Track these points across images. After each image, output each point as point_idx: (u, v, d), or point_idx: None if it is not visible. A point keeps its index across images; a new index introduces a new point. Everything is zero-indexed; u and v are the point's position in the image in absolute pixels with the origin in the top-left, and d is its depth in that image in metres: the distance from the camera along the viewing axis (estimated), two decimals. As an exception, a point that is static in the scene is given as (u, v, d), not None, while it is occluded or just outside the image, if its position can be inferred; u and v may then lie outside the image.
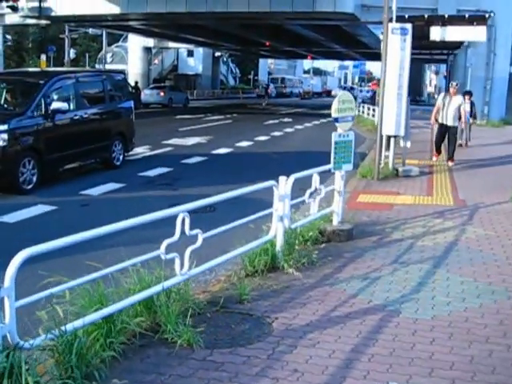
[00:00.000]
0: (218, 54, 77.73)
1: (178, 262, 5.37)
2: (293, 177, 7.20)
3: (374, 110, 33.76)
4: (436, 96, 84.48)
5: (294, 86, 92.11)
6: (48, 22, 42.31)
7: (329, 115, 31.46)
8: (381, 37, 14.87)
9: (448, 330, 5.19)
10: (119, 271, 5.24)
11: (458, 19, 13.95)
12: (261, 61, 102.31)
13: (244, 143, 21.61)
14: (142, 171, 14.38)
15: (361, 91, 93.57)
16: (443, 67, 67.03)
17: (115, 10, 35.68)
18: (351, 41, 54.60)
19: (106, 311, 4.63)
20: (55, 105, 12.33)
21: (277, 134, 26.47)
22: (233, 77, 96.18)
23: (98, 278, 4.91)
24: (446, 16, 13.73)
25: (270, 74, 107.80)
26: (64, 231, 8.99)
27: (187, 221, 5.28)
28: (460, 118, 16.43)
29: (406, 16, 14.04)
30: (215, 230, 6.25)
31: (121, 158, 15.08)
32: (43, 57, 51.89)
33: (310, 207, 8.14)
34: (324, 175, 12.16)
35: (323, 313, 5.58)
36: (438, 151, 16.95)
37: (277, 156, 18.94)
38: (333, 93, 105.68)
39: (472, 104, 20.70)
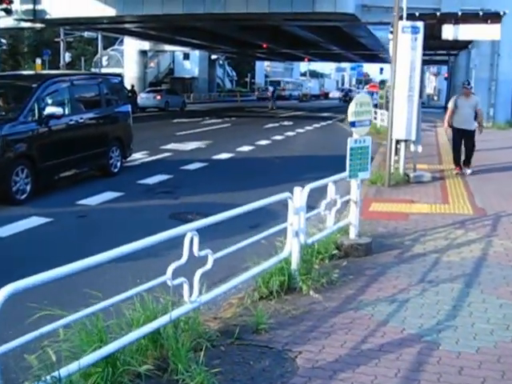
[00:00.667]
0: (214, 56, 77.26)
1: (186, 288, 4.72)
2: (308, 187, 6.57)
3: (375, 112, 33.18)
4: (435, 98, 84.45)
5: (293, 88, 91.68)
6: (43, 25, 41.68)
7: (329, 118, 31.25)
8: (390, 36, 14.25)
9: (498, 367, 4.54)
10: (122, 302, 4.55)
11: (471, 17, 13.27)
12: (257, 63, 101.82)
13: (245, 148, 20.98)
14: (141, 178, 13.73)
15: (359, 93, 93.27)
16: (443, 69, 66.70)
17: (110, 12, 35.03)
18: (350, 42, 54.09)
19: (105, 350, 4.00)
20: (49, 109, 11.67)
21: (278, 137, 25.84)
22: (229, 80, 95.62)
23: (97, 310, 4.22)
24: (459, 14, 13.05)
25: (266, 76, 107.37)
26: (60, 247, 8.47)
27: (196, 240, 4.62)
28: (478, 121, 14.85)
29: (417, 14, 13.39)
30: (226, 249, 5.57)
31: (118, 164, 14.43)
32: (38, 61, 51.34)
33: (325, 219, 7.49)
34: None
35: (352, 345, 4.93)
36: (459, 163, 14.83)
37: (280, 161, 18.32)
38: (330, 95, 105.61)
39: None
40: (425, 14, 13.56)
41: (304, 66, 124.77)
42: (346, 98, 77.52)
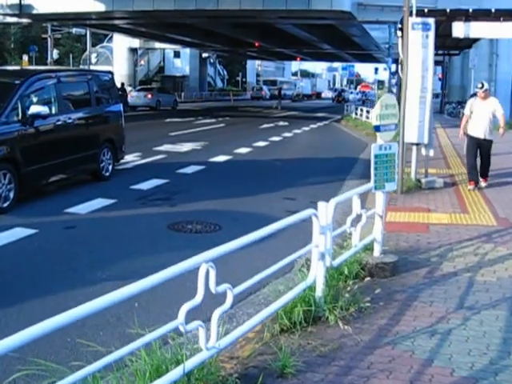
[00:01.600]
0: (205, 55, 76.36)
1: (202, 332, 3.89)
2: (334, 201, 5.74)
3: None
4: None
5: (288, 88, 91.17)
6: (29, 20, 40.75)
7: (324, 118, 30.54)
8: (399, 34, 13.45)
9: None
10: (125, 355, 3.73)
11: (483, 14, 12.51)
12: (249, 62, 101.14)
13: (243, 150, 20.16)
14: (134, 183, 12.87)
15: (351, 93, 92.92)
16: (438, 69, 66.02)
17: (100, 7, 34.13)
18: (343, 41, 53.36)
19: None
20: (34, 108, 10.77)
21: (276, 138, 25.05)
22: (220, 79, 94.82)
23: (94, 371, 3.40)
24: (471, 10, 12.29)
25: (258, 75, 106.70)
26: (45, 264, 7.43)
27: (213, 274, 3.79)
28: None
29: (426, 10, 12.63)
30: (248, 281, 4.72)
31: (110, 168, 13.54)
32: (25, 57, 50.41)
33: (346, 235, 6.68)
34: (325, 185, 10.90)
35: (399, 395, 4.14)
36: (474, 177, 12.90)
37: (280, 164, 17.53)
38: (323, 95, 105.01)
39: None
40: (434, 10, 12.81)
41: (295, 66, 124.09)
42: (340, 98, 76.92)
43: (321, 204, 5.43)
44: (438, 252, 7.95)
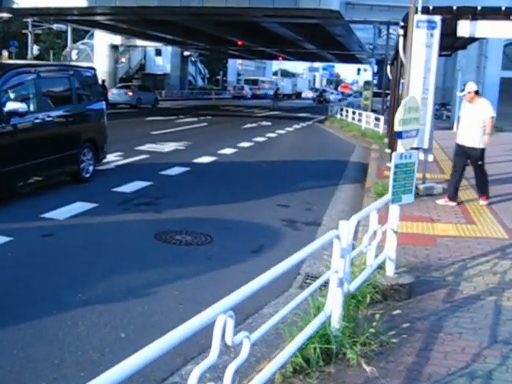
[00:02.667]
0: (186, 53, 75.36)
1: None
2: (355, 218, 4.90)
3: (359, 114, 31.79)
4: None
5: (269, 87, 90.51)
6: (9, 15, 39.46)
7: (307, 118, 29.84)
8: (400, 32, 12.71)
9: None
10: None
11: (492, 12, 11.78)
12: (230, 61, 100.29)
13: (227, 150, 19.30)
14: (117, 186, 11.96)
15: (332, 93, 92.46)
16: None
17: (82, 2, 33.01)
18: (328, 41, 52.63)
19: None
20: (11, 105, 9.82)
21: (260, 139, 24.20)
22: (201, 77, 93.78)
23: None
24: (479, 8, 11.55)
25: (239, 74, 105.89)
26: (17, 282, 6.45)
27: (231, 323, 2.94)
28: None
29: (431, 7, 11.87)
30: (266, 324, 3.85)
31: (90, 169, 12.60)
32: (5, 53, 49.25)
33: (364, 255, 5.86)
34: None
35: None
36: (449, 192, 11.48)
37: (267, 166, 16.70)
38: (303, 95, 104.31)
39: None
40: (440, 7, 12.02)
41: (276, 65, 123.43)
42: (321, 98, 76.27)
43: (343, 224, 4.60)
44: (452, 270, 7.18)
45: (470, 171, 14.08)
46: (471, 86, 11.03)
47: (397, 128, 5.95)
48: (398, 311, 5.67)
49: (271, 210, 10.79)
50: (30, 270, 6.77)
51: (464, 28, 11.92)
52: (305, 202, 11.59)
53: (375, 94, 39.35)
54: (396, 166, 5.89)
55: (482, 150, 11.15)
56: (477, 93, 11.09)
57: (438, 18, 11.37)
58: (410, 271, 6.69)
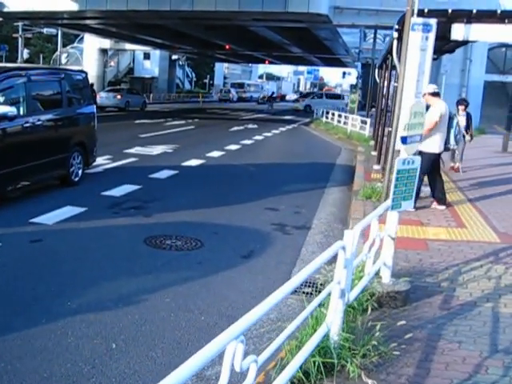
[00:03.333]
0: (175, 57, 74.96)
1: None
2: (359, 227, 4.66)
3: (345, 117, 31.58)
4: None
5: (254, 90, 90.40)
6: (0, 18, 38.94)
7: (292, 121, 29.66)
8: (395, 35, 12.45)
9: None
10: None
11: (487, 15, 11.55)
12: (217, 65, 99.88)
13: (215, 153, 19.01)
14: (106, 189, 11.66)
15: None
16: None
17: (72, 6, 32.55)
18: (314, 45, 52.33)
19: None
20: (0, 109, 9.55)
21: (247, 142, 23.94)
22: (188, 81, 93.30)
23: None
24: (474, 11, 11.32)
25: (225, 78, 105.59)
26: (4, 290, 6.01)
27: (240, 349, 2.66)
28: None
29: (426, 10, 11.62)
30: (271, 346, 3.57)
31: (80, 172, 12.27)
32: (-5, 56, 48.78)
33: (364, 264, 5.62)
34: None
35: None
36: (443, 196, 11.09)
37: (254, 169, 16.44)
38: (287, 97, 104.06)
39: (468, 116, 15.74)
40: (435, 10, 11.79)
41: (261, 69, 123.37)
42: (306, 102, 76.05)
43: (348, 233, 4.33)
44: (446, 275, 6.96)
45: (456, 174, 13.95)
46: (427, 88, 10.73)
47: (402, 133, 5.71)
48: (393, 319, 5.44)
49: (260, 213, 10.53)
50: (18, 277, 6.46)
51: (458, 31, 11.71)
52: (293, 205, 11.35)
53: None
54: (398, 172, 5.64)
55: (424, 154, 9.91)
56: (436, 95, 10.61)
57: (433, 21, 11.11)
58: (402, 276, 6.46)
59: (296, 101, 59.75)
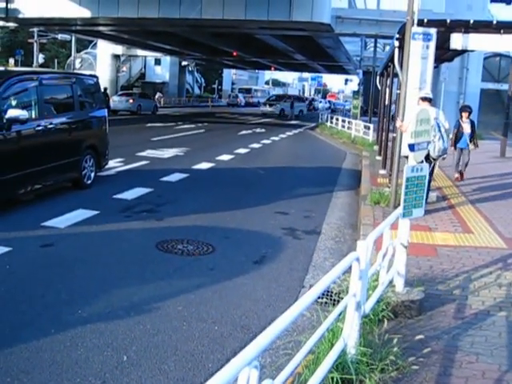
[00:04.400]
0: (184, 63, 74.75)
1: None
2: (372, 238, 4.34)
3: (349, 122, 31.24)
4: (394, 107, 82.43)
5: (261, 96, 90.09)
6: (16, 24, 38.70)
7: (298, 126, 29.34)
8: (396, 44, 12.16)
9: None
10: None
11: (483, 26, 11.29)
12: (225, 71, 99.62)
13: (224, 157, 18.71)
14: (118, 192, 11.36)
15: (320, 102, 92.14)
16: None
17: (85, 13, 32.34)
18: (318, 52, 52.05)
19: None
20: (12, 112, 9.19)
21: (255, 145, 23.62)
22: (198, 86, 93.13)
23: None
24: (472, 21, 11.05)
25: (233, 84, 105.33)
26: (14, 297, 5.70)
27: (254, 375, 2.35)
28: None
29: (425, 20, 11.34)
30: (286, 369, 3.23)
31: (92, 175, 11.98)
32: (11, 61, 48.51)
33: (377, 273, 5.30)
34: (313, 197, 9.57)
35: None
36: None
37: (264, 173, 16.10)
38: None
39: (472, 124, 14.74)
40: (434, 20, 11.51)
41: (268, 75, 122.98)
42: (310, 107, 75.87)
43: (360, 244, 4.02)
44: (457, 282, 6.64)
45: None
46: (420, 93, 10.48)
47: (409, 140, 5.40)
48: (409, 329, 5.13)
49: (271, 217, 10.22)
50: (28, 284, 6.14)
51: (457, 41, 11.43)
52: (303, 209, 11.03)
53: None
54: (407, 180, 5.35)
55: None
56: (424, 100, 10.22)
57: (433, 31, 10.86)
58: (416, 284, 6.15)
59: (264, 104, 58.37)
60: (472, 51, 15.23)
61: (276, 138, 28.36)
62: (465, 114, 14.71)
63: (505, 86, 34.77)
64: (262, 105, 59.41)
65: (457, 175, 14.68)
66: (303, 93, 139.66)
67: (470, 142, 14.55)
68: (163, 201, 10.97)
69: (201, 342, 4.89)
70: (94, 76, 13.42)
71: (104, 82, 51.08)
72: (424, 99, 10.37)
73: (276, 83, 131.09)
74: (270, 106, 56.39)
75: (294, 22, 29.91)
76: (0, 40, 62.60)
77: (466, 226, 9.67)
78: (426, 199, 10.53)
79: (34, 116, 10.04)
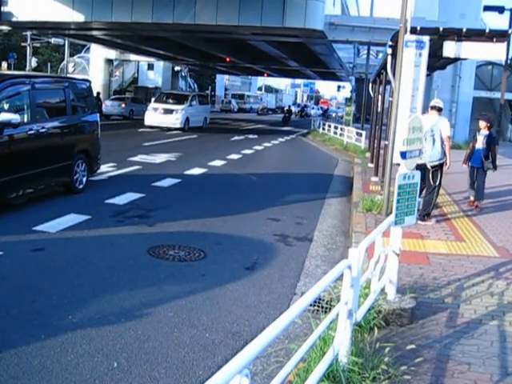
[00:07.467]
0: (177, 68, 74.66)
1: None
2: (364, 246, 4.33)
3: (341, 128, 31.30)
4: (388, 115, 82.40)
5: (254, 102, 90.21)
6: (9, 27, 38.59)
7: (291, 132, 29.31)
8: (389, 51, 12.20)
9: None
10: None
11: (476, 34, 11.33)
12: (218, 76, 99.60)
13: (217, 162, 18.69)
14: (109, 197, 11.34)
15: (313, 108, 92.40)
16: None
17: (79, 17, 32.26)
18: (310, 59, 52.08)
19: None
20: (4, 116, 9.17)
21: (247, 151, 23.62)
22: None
23: None
24: (464, 30, 11.10)
25: (226, 89, 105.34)
26: (3, 302, 5.59)
27: (246, 383, 2.33)
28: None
29: (418, 28, 11.38)
30: (277, 378, 3.22)
31: (84, 180, 11.95)
32: (4, 64, 48.35)
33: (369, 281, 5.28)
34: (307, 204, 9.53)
35: None
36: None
37: (256, 179, 16.08)
38: (285, 109, 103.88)
39: (490, 137, 11.85)
40: (427, 28, 11.55)
41: (260, 81, 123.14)
42: (303, 113, 76.11)
43: (352, 251, 4.01)
44: (449, 290, 6.64)
45: (450, 187, 13.61)
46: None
47: (401, 148, 5.41)
48: (400, 338, 5.12)
49: (262, 223, 10.20)
50: (18, 289, 6.09)
51: (450, 49, 11.47)
52: (295, 216, 11.03)
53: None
54: (400, 187, 5.35)
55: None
56: (432, 108, 10.66)
57: (426, 38, 10.89)
58: (406, 291, 6.14)
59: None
60: (465, 59, 15.23)
61: (268, 144, 28.38)
62: (482, 124, 12.01)
63: (497, 95, 35.02)
64: None
65: (471, 198, 12.45)
66: (295, 99, 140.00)
67: (485, 159, 11.76)
68: (155, 206, 10.94)
69: (192, 348, 4.86)
70: (87, 80, 13.37)
71: (97, 86, 51.04)
72: (433, 107, 10.48)
73: (269, 89, 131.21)
74: None
75: (287, 29, 29.91)
76: (-8, 43, 62.47)
77: (458, 234, 9.69)
78: (432, 206, 10.62)
79: (26, 120, 10.00)
